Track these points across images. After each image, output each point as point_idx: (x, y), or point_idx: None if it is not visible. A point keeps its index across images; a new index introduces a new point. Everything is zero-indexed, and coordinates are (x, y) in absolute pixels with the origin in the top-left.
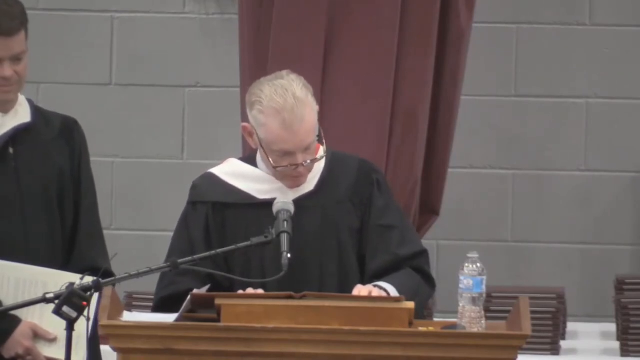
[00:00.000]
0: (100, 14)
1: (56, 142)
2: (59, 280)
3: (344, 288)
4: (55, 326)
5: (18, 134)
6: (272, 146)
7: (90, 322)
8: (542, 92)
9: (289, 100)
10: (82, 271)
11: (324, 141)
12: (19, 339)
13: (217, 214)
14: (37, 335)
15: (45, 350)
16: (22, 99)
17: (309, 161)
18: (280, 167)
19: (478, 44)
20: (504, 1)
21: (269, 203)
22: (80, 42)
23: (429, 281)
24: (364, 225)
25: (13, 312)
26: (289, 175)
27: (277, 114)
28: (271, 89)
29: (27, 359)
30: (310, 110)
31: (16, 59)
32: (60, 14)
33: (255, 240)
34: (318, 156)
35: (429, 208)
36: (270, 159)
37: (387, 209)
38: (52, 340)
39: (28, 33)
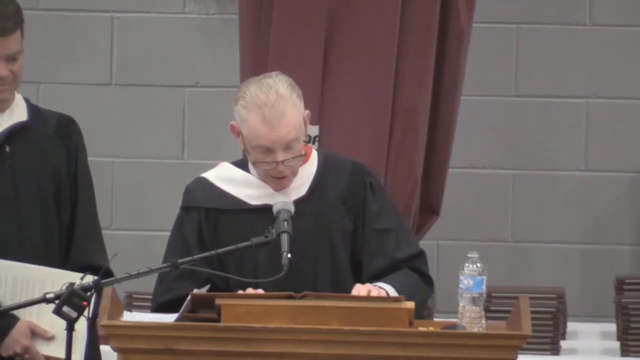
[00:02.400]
0: (100, 14)
1: (52, 140)
2: (55, 278)
3: (337, 292)
4: (53, 324)
5: (14, 133)
6: (252, 142)
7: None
8: (542, 92)
9: (270, 96)
10: (79, 269)
11: (317, 144)
12: (17, 337)
13: (210, 219)
14: (35, 333)
15: (43, 348)
16: (18, 98)
17: (290, 159)
18: (260, 164)
19: (478, 44)
20: (504, 1)
21: (260, 209)
22: (80, 42)
23: (427, 281)
24: (357, 228)
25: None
26: (271, 175)
27: (258, 109)
28: (256, 86)
29: (25, 357)
30: (293, 108)
31: (12, 58)
32: (60, 14)
33: (255, 240)
34: (305, 159)
35: (429, 208)
36: (252, 156)
37: (381, 212)
38: (50, 338)
39: (24, 32)
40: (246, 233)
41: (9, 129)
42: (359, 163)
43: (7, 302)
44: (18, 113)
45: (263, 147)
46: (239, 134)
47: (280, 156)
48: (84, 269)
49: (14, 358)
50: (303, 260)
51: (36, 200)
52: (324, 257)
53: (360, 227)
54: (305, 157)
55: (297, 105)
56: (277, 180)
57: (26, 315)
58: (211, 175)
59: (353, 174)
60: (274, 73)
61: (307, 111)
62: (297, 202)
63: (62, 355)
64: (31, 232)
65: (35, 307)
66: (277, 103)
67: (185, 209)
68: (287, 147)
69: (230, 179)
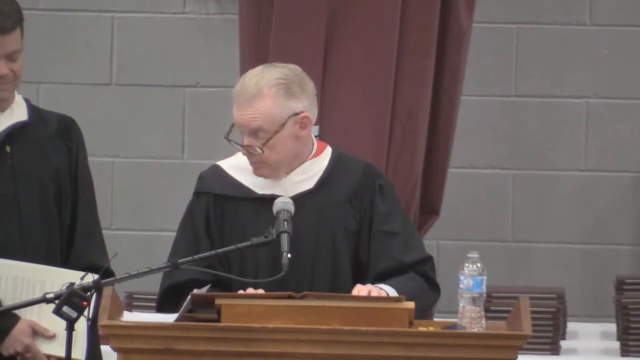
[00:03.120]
0: (100, 14)
1: (53, 140)
2: (56, 277)
3: (335, 291)
4: (54, 323)
5: (15, 133)
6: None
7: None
8: (542, 92)
9: (252, 80)
10: (80, 269)
11: (329, 142)
12: (18, 336)
13: (217, 205)
14: (36, 332)
15: (44, 347)
16: (18, 98)
17: (258, 150)
18: (232, 141)
19: (478, 44)
20: (504, 1)
21: (267, 198)
22: (80, 42)
23: (433, 287)
24: (361, 229)
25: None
26: (247, 157)
27: (238, 86)
28: (257, 68)
29: (27, 356)
30: (266, 99)
31: (11, 57)
32: (60, 14)
33: (255, 240)
34: (262, 147)
35: (429, 208)
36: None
37: (390, 215)
38: (51, 337)
39: (24, 32)
40: (251, 221)
41: (9, 128)
42: (372, 165)
43: (8, 302)
44: (18, 113)
45: (235, 122)
46: None
47: (245, 140)
48: (84, 269)
49: (15, 357)
50: (303, 254)
51: (37, 200)
52: (324, 253)
53: (366, 228)
54: (317, 152)
55: (277, 99)
56: (252, 164)
57: (27, 314)
58: (225, 164)
59: (364, 174)
60: (286, 64)
61: (305, 114)
62: (304, 195)
63: (63, 353)
64: (32, 232)
65: (35, 306)
66: (252, 88)
67: (196, 194)
68: (253, 133)
69: (242, 168)
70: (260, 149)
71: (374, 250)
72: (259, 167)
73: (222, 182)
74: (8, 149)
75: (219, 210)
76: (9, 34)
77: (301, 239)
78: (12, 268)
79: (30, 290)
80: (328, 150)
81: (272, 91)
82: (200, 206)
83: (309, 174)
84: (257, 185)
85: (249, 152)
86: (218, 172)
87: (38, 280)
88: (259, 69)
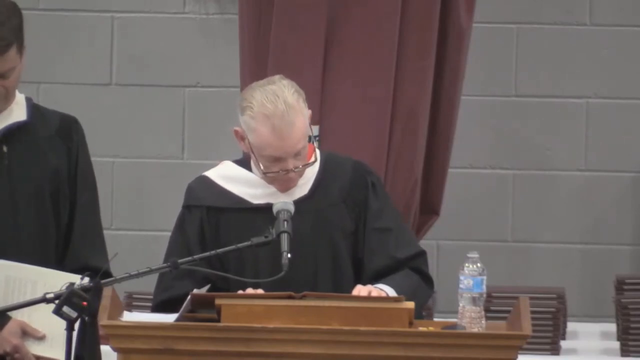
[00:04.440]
0: (100, 14)
1: (52, 140)
2: (48, 278)
3: (338, 291)
4: (44, 324)
5: (12, 133)
6: (262, 151)
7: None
8: (542, 92)
9: (279, 106)
10: (75, 270)
11: (317, 144)
12: (7, 336)
13: (212, 218)
14: (26, 333)
15: (33, 348)
16: (19, 97)
17: (300, 166)
18: (270, 173)
19: (478, 44)
20: (504, 1)
21: (262, 208)
22: (80, 42)
23: (427, 281)
24: (358, 227)
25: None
26: (279, 180)
27: (267, 120)
28: (262, 94)
29: (15, 357)
30: (301, 116)
31: (3, 75)
32: (60, 14)
33: (255, 240)
34: (309, 161)
35: (429, 208)
36: (261, 164)
37: (382, 211)
38: (41, 338)
39: (23, 45)
40: (247, 232)
41: (6, 128)
42: (361, 162)
43: (0, 301)
44: (17, 112)
45: (273, 157)
46: (242, 138)
47: (290, 164)
48: (81, 270)
49: (4, 357)
50: (304, 259)
51: (32, 200)
52: (325, 256)
53: (361, 226)
54: (307, 157)
55: (304, 111)
56: (284, 183)
57: (18, 315)
58: (213, 174)
59: (355, 172)
60: (276, 78)
61: (309, 111)
62: (299, 202)
63: (52, 355)
64: (27, 232)
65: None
66: (287, 113)
67: (187, 207)
68: (297, 154)
69: (232, 178)
70: (309, 164)
71: (368, 248)
72: (293, 183)
73: (214, 193)
74: (5, 148)
75: (214, 222)
76: (1, 55)
77: (301, 245)
78: (5, 268)
79: (22, 290)
80: (317, 154)
81: (300, 104)
82: (193, 219)
83: (302, 180)
84: (251, 195)
85: (294, 173)
86: (207, 183)
87: (30, 280)
88: (269, 92)
